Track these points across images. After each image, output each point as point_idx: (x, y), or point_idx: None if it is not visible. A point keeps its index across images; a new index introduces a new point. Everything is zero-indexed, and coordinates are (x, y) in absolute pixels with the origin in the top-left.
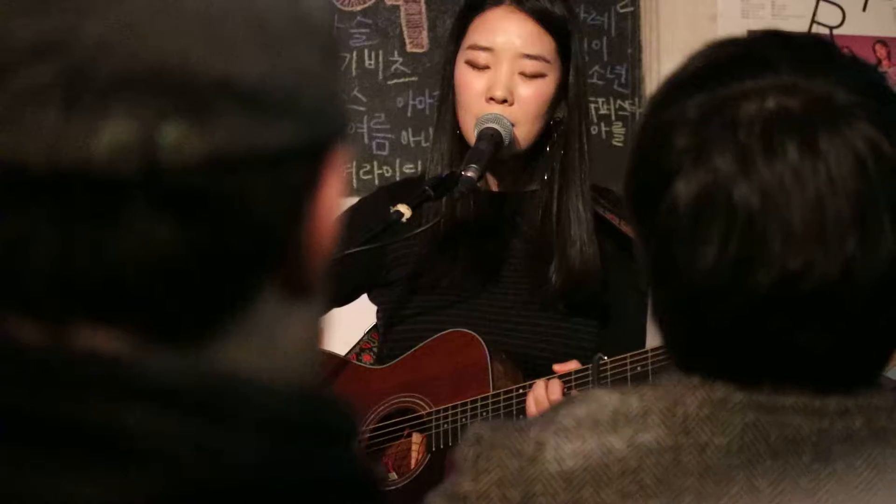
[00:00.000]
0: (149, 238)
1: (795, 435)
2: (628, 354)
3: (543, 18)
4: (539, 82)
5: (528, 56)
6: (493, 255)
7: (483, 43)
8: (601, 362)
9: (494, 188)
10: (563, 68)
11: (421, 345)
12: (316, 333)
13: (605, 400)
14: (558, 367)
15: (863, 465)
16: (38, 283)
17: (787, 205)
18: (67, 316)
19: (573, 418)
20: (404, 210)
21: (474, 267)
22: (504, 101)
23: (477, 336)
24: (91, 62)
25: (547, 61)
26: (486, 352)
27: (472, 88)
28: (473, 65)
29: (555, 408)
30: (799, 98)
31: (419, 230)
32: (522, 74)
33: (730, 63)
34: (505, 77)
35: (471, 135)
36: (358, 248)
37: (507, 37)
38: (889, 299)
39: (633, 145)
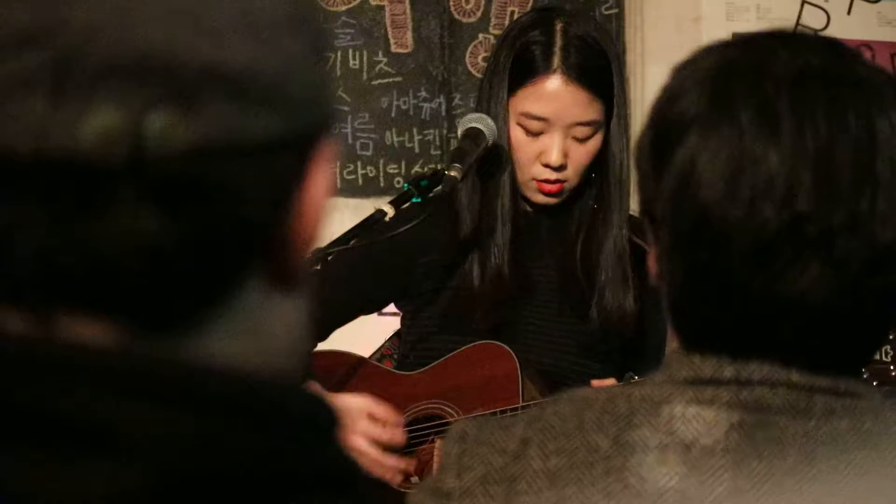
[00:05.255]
0: (134, 227)
1: (781, 436)
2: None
3: (594, 85)
4: (590, 142)
5: (582, 124)
6: (526, 271)
7: (537, 113)
8: (633, 381)
9: (531, 207)
10: (608, 109)
11: (452, 353)
12: (301, 324)
13: (592, 398)
14: (596, 384)
15: (847, 467)
16: (22, 272)
17: (809, 165)
18: (52, 306)
19: (559, 416)
20: (387, 209)
21: (507, 281)
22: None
23: (509, 349)
24: (79, 50)
25: (598, 122)
26: (518, 364)
27: (526, 153)
28: (527, 130)
29: (541, 406)
30: (829, 66)
31: (402, 229)
32: (575, 139)
33: (766, 36)
34: (559, 146)
35: (525, 188)
36: (339, 248)
37: (561, 107)
38: (891, 268)
39: (656, 97)
